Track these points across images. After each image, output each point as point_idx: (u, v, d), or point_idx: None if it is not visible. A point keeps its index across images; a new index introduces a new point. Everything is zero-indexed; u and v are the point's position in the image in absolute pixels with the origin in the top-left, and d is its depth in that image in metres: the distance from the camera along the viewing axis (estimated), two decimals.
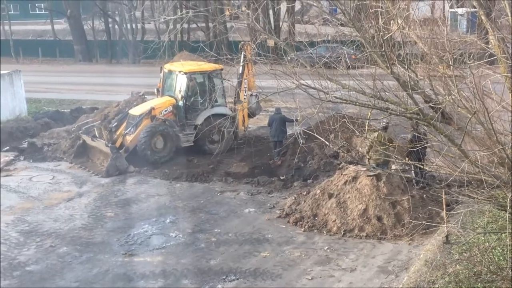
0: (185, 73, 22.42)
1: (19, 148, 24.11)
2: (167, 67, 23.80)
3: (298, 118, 16.42)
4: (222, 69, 21.51)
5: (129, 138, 21.84)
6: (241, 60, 21.58)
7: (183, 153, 22.41)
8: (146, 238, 15.73)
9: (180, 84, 22.75)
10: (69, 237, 15.79)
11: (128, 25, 58.19)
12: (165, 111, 22.47)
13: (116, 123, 22.81)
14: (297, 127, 20.09)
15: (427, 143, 12.24)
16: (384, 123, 16.65)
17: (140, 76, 41.94)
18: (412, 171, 17.53)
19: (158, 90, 24.02)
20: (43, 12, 69.18)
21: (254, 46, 13.12)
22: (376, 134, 16.54)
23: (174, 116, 22.62)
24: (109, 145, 21.31)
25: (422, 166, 13.73)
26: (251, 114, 24.58)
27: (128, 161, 21.35)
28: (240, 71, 22.93)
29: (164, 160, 21.75)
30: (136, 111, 22.77)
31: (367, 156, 17.29)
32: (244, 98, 23.65)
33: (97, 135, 22.34)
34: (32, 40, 63.19)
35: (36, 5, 69.67)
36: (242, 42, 22.27)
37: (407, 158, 16.52)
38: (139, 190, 19.45)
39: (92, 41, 58.01)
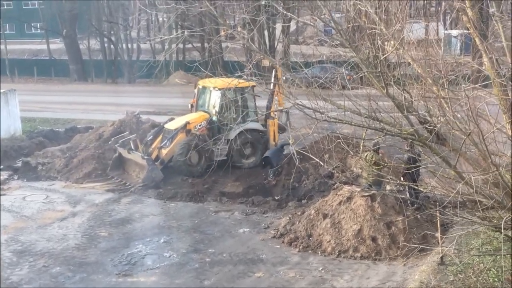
0: (219, 89, 22.79)
1: (13, 167, 24.03)
2: (201, 83, 24.45)
3: (291, 141, 16.53)
4: (254, 86, 21.91)
5: (164, 151, 22.55)
6: (272, 78, 21.94)
7: (216, 167, 22.40)
8: (140, 258, 15.64)
9: (214, 99, 23.46)
10: (62, 257, 15.69)
11: (124, 45, 58.41)
12: (199, 125, 23.16)
13: (151, 137, 23.64)
14: (292, 147, 20.12)
15: (421, 163, 12.28)
16: (375, 145, 16.68)
17: (135, 96, 42.03)
18: (407, 192, 17.55)
19: (192, 105, 24.73)
20: (39, 31, 69.32)
21: (250, 66, 13.15)
22: (366, 154, 16.59)
23: (207, 131, 23.22)
24: (146, 157, 21.90)
25: (416, 187, 13.77)
26: (281, 130, 24.84)
27: (163, 173, 21.88)
28: (271, 89, 23.24)
29: (198, 174, 22.16)
30: (171, 125, 23.55)
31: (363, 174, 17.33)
32: (275, 114, 23.94)
33: (132, 148, 22.93)
34: (27, 59, 63.33)
35: (32, 24, 69.69)
36: (274, 61, 22.74)
37: (402, 179, 16.57)
38: (133, 210, 19.38)
39: (87, 61, 58.16)
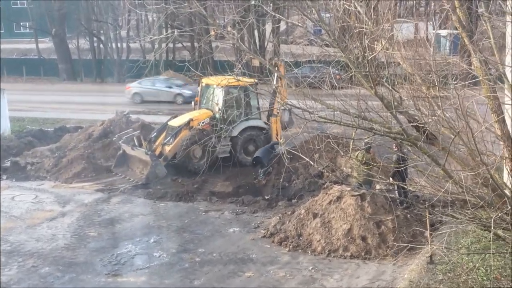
0: (222, 87, 22.82)
1: (2, 167, 23.89)
2: (205, 81, 24.55)
3: (281, 140, 16.54)
4: (257, 84, 22.04)
5: (168, 147, 22.83)
6: (274, 76, 22.39)
7: (219, 163, 22.60)
8: (130, 258, 15.60)
9: (217, 97, 23.72)
10: (51, 257, 15.62)
11: (113, 44, 58.18)
12: (203, 122, 23.45)
13: (155, 134, 23.95)
14: (282, 146, 20.14)
15: (408, 163, 12.31)
16: (366, 144, 16.74)
17: (125, 95, 41.86)
18: (396, 191, 17.60)
19: (195, 103, 25.03)
20: (27, 31, 68.91)
21: (240, 66, 13.16)
22: (357, 153, 16.65)
23: (211, 128, 23.38)
24: (149, 153, 22.19)
25: (405, 186, 13.80)
26: (284, 127, 24.96)
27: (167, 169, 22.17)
28: (274, 87, 23.33)
29: (201, 169, 21.98)
30: (175, 122, 23.88)
31: (353, 174, 17.37)
32: (278, 112, 24.11)
33: (136, 144, 23.21)
34: (16, 59, 62.92)
35: (21, 24, 69.30)
36: (276, 59, 22.96)
37: (391, 179, 16.63)
38: (123, 210, 19.33)
39: (77, 60, 57.88)
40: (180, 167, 22.58)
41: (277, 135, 24.49)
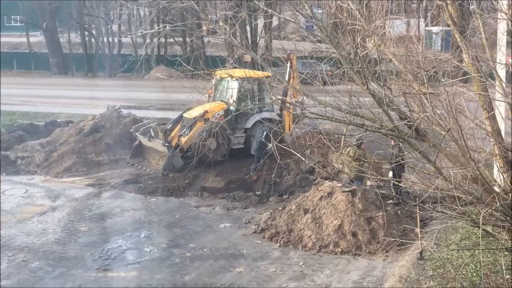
0: (236, 80, 22.84)
1: None
2: (219, 73, 24.26)
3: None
4: (270, 77, 22.05)
5: (183, 139, 23.14)
6: (287, 69, 22.54)
7: (233, 155, 22.97)
8: (120, 253, 15.57)
9: (231, 89, 23.84)
10: (41, 252, 15.56)
11: (105, 39, 58.00)
12: (217, 114, 23.58)
13: (170, 126, 24.10)
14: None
15: (403, 159, 12.36)
16: (357, 140, 16.77)
17: (116, 90, 41.75)
18: (391, 187, 17.66)
19: (209, 95, 25.01)
20: (18, 24, 68.56)
21: (232, 61, 13.16)
22: (348, 149, 16.69)
23: (225, 120, 23.24)
24: (166, 144, 22.42)
25: (398, 182, 13.87)
26: (297, 120, 25.11)
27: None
28: (286, 79, 23.33)
29: (216, 160, 22.34)
30: (190, 114, 24.07)
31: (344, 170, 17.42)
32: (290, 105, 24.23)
33: (153, 135, 23.53)
34: (7, 52, 62.54)
35: (12, 17, 68.93)
36: (288, 52, 23.05)
37: (391, 172, 16.71)
38: (113, 205, 19.28)
39: (68, 54, 57.66)
40: (193, 158, 22.48)
41: (289, 127, 24.68)
